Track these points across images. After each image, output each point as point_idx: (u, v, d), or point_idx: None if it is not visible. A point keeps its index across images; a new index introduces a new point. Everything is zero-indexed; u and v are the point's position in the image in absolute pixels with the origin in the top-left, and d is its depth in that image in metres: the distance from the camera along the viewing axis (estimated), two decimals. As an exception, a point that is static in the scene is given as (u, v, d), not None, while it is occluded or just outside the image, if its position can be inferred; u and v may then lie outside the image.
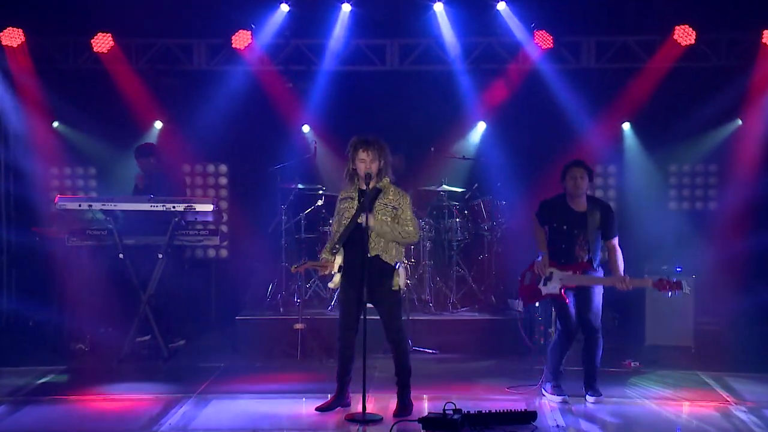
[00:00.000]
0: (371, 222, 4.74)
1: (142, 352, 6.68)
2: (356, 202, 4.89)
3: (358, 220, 4.74)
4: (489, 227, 7.69)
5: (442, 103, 8.25)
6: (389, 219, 4.78)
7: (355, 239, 4.77)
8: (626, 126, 8.27)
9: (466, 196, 7.95)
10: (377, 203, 4.81)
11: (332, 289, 5.27)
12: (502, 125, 8.32)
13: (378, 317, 5.07)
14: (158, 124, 8.32)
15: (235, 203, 8.22)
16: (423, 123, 8.36)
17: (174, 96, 8.20)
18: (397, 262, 4.81)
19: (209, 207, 6.43)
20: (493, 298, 7.56)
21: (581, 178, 5.30)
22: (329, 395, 5.18)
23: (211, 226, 6.81)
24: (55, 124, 7.96)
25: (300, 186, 7.69)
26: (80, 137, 8.02)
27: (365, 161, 4.84)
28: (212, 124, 7.99)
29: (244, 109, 8.01)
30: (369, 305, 4.94)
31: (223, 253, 8.19)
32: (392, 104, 8.29)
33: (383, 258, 4.83)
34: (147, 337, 6.70)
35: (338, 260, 4.95)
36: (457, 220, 7.71)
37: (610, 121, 8.10)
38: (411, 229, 4.80)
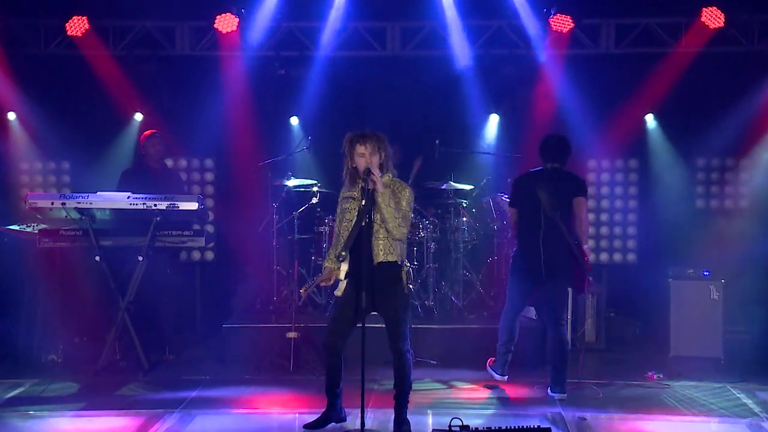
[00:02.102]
0: (379, 186, 4.74)
1: (120, 364, 6.66)
2: (358, 202, 4.94)
3: (369, 176, 4.74)
4: (499, 227, 7.69)
5: (448, 93, 8.31)
6: (393, 203, 4.83)
7: (360, 243, 4.80)
8: (649, 117, 8.29)
9: (474, 194, 7.99)
10: (387, 191, 4.86)
11: (330, 295, 5.30)
12: (514, 116, 8.35)
13: (379, 325, 5.09)
14: (138, 116, 8.33)
15: (222, 201, 8.15)
16: (427, 114, 8.39)
17: (155, 84, 8.18)
18: (402, 260, 4.83)
19: (194, 205, 6.42)
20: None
21: None
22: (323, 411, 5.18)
23: (196, 226, 6.82)
24: (12, 115, 7.95)
25: (293, 182, 7.71)
26: (52, 129, 8.01)
27: (364, 155, 4.86)
28: (197, 116, 8.01)
29: (231, 99, 8.04)
30: (373, 313, 4.97)
31: (209, 255, 8.14)
32: (393, 93, 8.31)
33: (388, 259, 4.85)
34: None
35: (344, 267, 4.97)
36: (464, 219, 7.76)
37: (630, 112, 8.11)
38: (399, 218, 4.83)
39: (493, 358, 6.17)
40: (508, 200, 6.33)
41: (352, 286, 4.90)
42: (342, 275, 4.96)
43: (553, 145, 5.92)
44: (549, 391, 5.91)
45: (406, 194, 4.86)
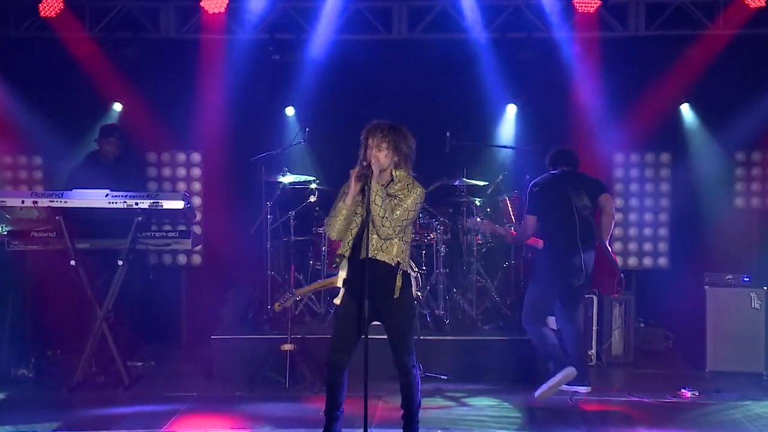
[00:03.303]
0: (375, 169, 4.72)
1: (98, 379, 6.63)
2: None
3: (367, 162, 4.75)
4: (517, 228, 7.65)
5: (460, 80, 8.29)
6: (386, 202, 4.76)
7: (359, 244, 4.81)
8: (685, 107, 8.26)
9: (489, 191, 7.97)
10: (377, 185, 4.81)
11: (330, 303, 5.30)
12: (533, 106, 8.37)
13: (385, 336, 5.02)
14: (117, 106, 8.32)
15: (211, 199, 8.15)
16: (437, 103, 8.37)
17: (136, 71, 8.17)
18: (399, 263, 4.78)
19: (179, 203, 6.42)
20: (521, 315, 7.39)
21: None
22: (321, 432, 5.09)
23: (182, 227, 6.81)
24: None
25: (288, 179, 7.71)
26: (22, 119, 8.00)
27: (371, 147, 4.81)
28: (183, 105, 8.02)
29: (220, 87, 8.07)
30: (377, 323, 4.94)
31: (196, 259, 8.09)
32: (399, 81, 8.31)
33: (384, 259, 4.82)
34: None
35: (342, 274, 4.94)
36: (479, 219, 7.68)
37: (662, 101, 8.07)
38: (398, 213, 4.76)
39: (550, 384, 6.17)
40: (526, 206, 6.49)
41: (350, 293, 4.88)
42: (340, 282, 4.92)
43: (566, 153, 6.38)
44: (575, 386, 6.15)
45: (417, 193, 4.84)
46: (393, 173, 4.83)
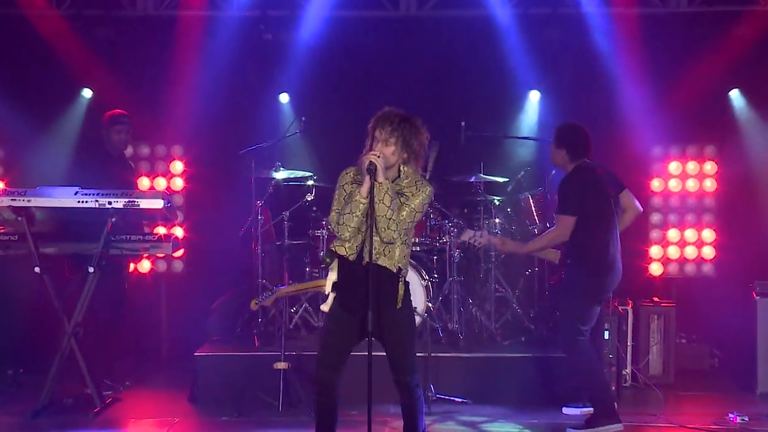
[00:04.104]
0: (380, 166, 4.67)
1: (66, 402, 6.62)
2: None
3: (367, 157, 4.69)
4: (540, 230, 7.64)
5: (476, 63, 8.29)
6: (394, 202, 4.76)
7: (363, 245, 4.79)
8: (734, 93, 8.23)
9: (510, 189, 8.00)
10: (387, 182, 4.80)
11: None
12: (559, 92, 8.42)
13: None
14: (87, 92, 8.34)
15: (195, 198, 8.20)
16: (451, 90, 8.39)
17: (110, 52, 8.20)
18: (400, 269, 4.78)
19: (158, 203, 6.40)
20: (545, 328, 7.56)
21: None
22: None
23: (162, 229, 6.82)
24: None
25: (282, 175, 7.73)
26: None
27: (378, 141, 4.76)
28: (162, 91, 8.04)
29: (205, 71, 8.09)
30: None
31: (178, 265, 8.11)
32: (408, 64, 8.33)
33: (384, 263, 4.79)
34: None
35: (332, 276, 4.91)
36: (497, 221, 7.76)
37: (707, 86, 8.06)
38: (404, 214, 4.76)
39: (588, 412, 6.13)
40: (564, 206, 6.14)
41: (342, 300, 4.86)
42: (329, 286, 4.91)
43: (584, 136, 6.14)
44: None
45: (425, 193, 4.83)
46: (401, 168, 4.85)
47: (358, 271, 4.73)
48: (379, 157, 4.68)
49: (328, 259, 4.89)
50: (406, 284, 4.84)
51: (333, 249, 4.84)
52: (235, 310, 7.76)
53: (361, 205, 4.68)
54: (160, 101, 8.04)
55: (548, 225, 7.49)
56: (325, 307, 4.94)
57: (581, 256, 6.03)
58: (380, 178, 4.67)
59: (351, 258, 4.78)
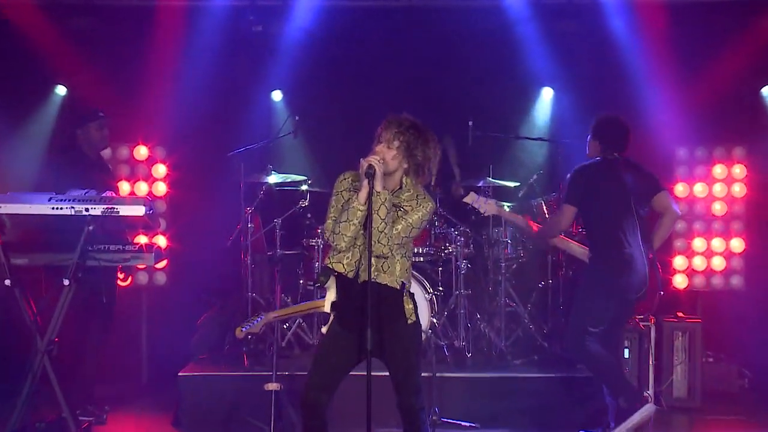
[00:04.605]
0: (378, 169, 4.65)
1: (38, 427, 6.55)
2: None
3: (366, 160, 4.69)
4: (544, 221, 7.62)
5: (484, 57, 8.30)
6: (389, 215, 4.76)
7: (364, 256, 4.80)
8: (766, 90, 8.24)
9: (521, 194, 8.02)
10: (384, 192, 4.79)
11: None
12: (575, 89, 8.45)
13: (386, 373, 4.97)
14: (61, 89, 8.34)
15: (179, 204, 8.19)
16: (457, 86, 8.39)
17: (87, 45, 8.19)
18: (404, 284, 4.81)
19: (140, 210, 6.27)
20: (560, 346, 7.48)
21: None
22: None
23: (143, 238, 6.80)
24: None
25: (274, 179, 7.73)
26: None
27: (381, 143, 4.77)
28: (144, 88, 8.02)
29: (191, 66, 8.12)
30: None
31: (160, 278, 8.09)
32: (410, 58, 8.34)
33: (383, 281, 4.80)
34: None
35: (330, 296, 4.91)
36: (508, 229, 7.77)
37: (736, 82, 8.07)
38: (399, 228, 4.76)
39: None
40: (563, 195, 6.42)
41: (341, 320, 4.88)
42: (327, 306, 4.91)
43: (621, 129, 6.29)
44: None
45: (426, 209, 4.83)
46: (403, 179, 4.83)
47: (357, 289, 4.74)
48: (380, 161, 4.68)
49: (323, 278, 4.88)
50: (412, 297, 4.86)
51: (330, 266, 4.83)
52: (223, 327, 7.75)
53: (359, 212, 4.69)
54: (141, 99, 8.03)
55: (570, 235, 7.40)
56: (325, 329, 4.95)
57: (593, 251, 6.23)
58: (378, 186, 4.66)
59: (350, 275, 4.79)
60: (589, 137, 6.37)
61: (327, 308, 4.90)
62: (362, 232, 4.74)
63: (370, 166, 4.66)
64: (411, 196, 4.82)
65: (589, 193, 6.14)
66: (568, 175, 6.30)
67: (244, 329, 6.06)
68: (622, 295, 6.12)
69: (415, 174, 4.83)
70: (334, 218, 4.79)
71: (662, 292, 6.20)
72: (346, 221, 4.71)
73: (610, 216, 6.11)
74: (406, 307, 4.80)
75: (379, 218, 4.68)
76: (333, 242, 4.77)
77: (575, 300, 6.30)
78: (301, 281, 7.76)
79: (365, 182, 4.65)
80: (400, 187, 4.83)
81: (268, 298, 7.67)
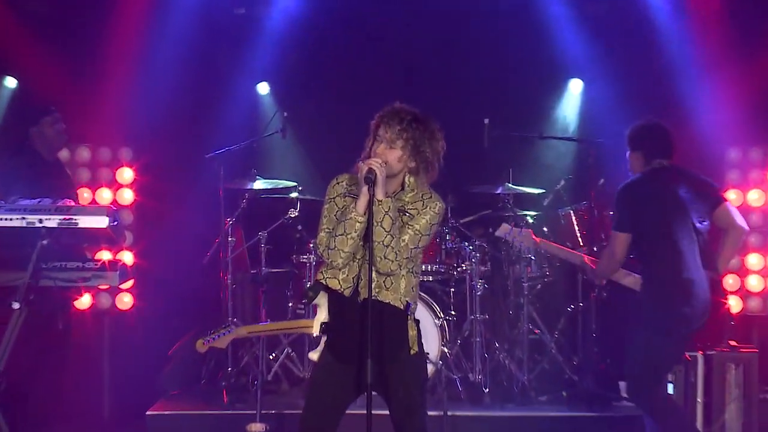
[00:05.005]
0: (379, 172, 4.64)
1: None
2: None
3: (366, 164, 4.67)
4: (589, 253, 7.46)
5: (503, 45, 8.32)
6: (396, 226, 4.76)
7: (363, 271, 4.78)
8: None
9: (546, 202, 8.05)
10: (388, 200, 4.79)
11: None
12: (608, 81, 8.47)
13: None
14: (11, 82, 8.32)
15: (148, 215, 8.16)
16: (471, 78, 8.41)
17: (41, 31, 8.18)
18: (408, 304, 4.78)
19: (102, 221, 6.31)
20: (592, 380, 7.52)
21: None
22: None
23: (106, 254, 6.82)
24: None
25: (259, 185, 7.74)
26: None
27: (381, 140, 4.75)
28: (108, 81, 8.03)
29: (163, 55, 8.16)
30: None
31: (126, 300, 8.02)
32: (416, 45, 8.37)
33: (386, 298, 4.77)
34: None
35: (320, 316, 4.86)
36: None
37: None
38: (406, 238, 4.75)
39: None
40: (614, 219, 6.28)
41: (333, 346, 4.85)
42: (316, 328, 4.87)
43: (663, 135, 6.25)
44: None
45: (434, 210, 4.81)
46: (405, 179, 4.83)
47: (355, 310, 4.71)
48: (381, 164, 4.65)
49: (311, 293, 4.82)
50: (417, 322, 4.82)
51: (322, 281, 4.79)
52: (198, 358, 7.70)
53: (357, 224, 4.66)
54: (104, 92, 8.03)
55: (595, 250, 7.49)
56: (314, 355, 4.90)
57: (646, 277, 6.10)
58: (380, 194, 4.64)
59: (346, 293, 4.76)
60: (628, 152, 6.28)
61: (316, 330, 4.85)
62: (362, 244, 4.72)
63: (371, 171, 4.62)
64: (415, 197, 4.80)
65: (638, 213, 6.03)
66: (616, 196, 6.21)
67: (207, 342, 5.92)
68: (684, 327, 6.04)
69: (425, 171, 4.81)
70: (328, 230, 4.76)
71: (733, 322, 6.24)
72: (342, 234, 4.67)
73: (664, 235, 5.99)
74: (410, 333, 4.78)
75: (384, 231, 4.65)
76: (327, 258, 4.74)
77: (629, 340, 6.17)
78: (291, 304, 7.75)
79: (365, 189, 4.62)
80: (402, 188, 4.82)
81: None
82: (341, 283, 4.75)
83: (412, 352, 4.77)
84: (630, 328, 6.15)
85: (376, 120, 4.76)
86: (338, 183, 4.84)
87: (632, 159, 6.24)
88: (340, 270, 4.76)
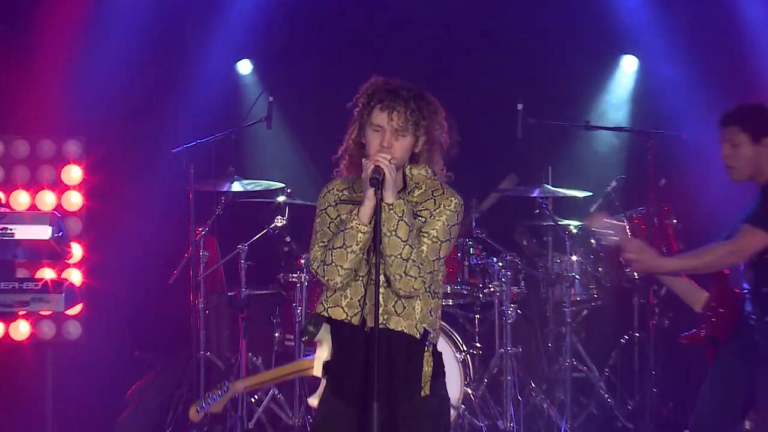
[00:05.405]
0: (388, 197, 4.56)
1: None
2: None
3: (373, 161, 4.56)
4: (641, 273, 7.51)
5: (539, 15, 8.36)
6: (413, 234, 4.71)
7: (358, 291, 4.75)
8: None
9: (594, 207, 7.96)
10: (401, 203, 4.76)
11: (310, 409, 5.54)
12: (666, 58, 8.52)
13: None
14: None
15: (100, 224, 7.89)
16: (500, 55, 8.43)
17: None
18: (427, 332, 4.70)
19: (44, 231, 6.53)
20: (652, 430, 7.46)
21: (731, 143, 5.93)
22: None
23: (49, 272, 6.86)
24: None
25: (239, 186, 7.74)
26: None
27: (384, 130, 4.63)
28: (49, 57, 8.00)
29: (118, 25, 8.19)
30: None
31: (73, 329, 7.71)
32: (431, 16, 8.37)
33: (398, 326, 4.68)
34: None
35: (321, 354, 4.80)
36: (574, 258, 7.81)
37: None
38: (425, 248, 4.73)
39: None
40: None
41: (337, 387, 4.78)
42: (317, 368, 4.83)
43: None
44: None
45: (451, 207, 4.74)
46: (407, 173, 4.75)
47: (362, 342, 4.61)
48: (391, 161, 4.51)
49: (312, 328, 4.71)
50: (437, 356, 4.69)
51: (323, 312, 4.66)
52: (162, 402, 7.67)
53: (360, 234, 4.54)
54: (45, 72, 8.00)
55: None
56: (314, 401, 4.81)
57: None
58: (389, 197, 4.51)
59: (354, 321, 4.63)
60: (745, 137, 5.87)
61: (317, 371, 4.81)
62: (366, 259, 4.64)
63: (377, 170, 4.50)
64: (424, 195, 4.70)
65: None
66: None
67: (201, 409, 5.70)
68: None
69: (434, 159, 4.73)
70: (323, 244, 4.65)
71: None
72: (341, 247, 4.55)
73: None
74: (424, 369, 4.67)
75: (400, 241, 4.52)
76: (323, 276, 4.64)
77: (760, 382, 5.94)
78: (277, 334, 7.69)
79: (370, 193, 4.50)
80: (404, 185, 4.70)
81: (229, 358, 7.70)
82: (346, 310, 4.63)
83: (423, 394, 4.66)
84: (758, 365, 5.84)
85: (364, 99, 4.66)
86: (328, 192, 4.73)
87: (745, 157, 5.88)
88: (342, 295, 4.65)
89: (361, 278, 4.66)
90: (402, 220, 4.51)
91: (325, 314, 4.69)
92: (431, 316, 4.71)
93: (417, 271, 4.57)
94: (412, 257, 4.54)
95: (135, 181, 8.20)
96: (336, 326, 4.70)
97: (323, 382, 4.81)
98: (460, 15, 8.45)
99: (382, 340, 4.57)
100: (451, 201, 4.68)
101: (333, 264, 4.56)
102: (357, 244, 4.52)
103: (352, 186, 4.79)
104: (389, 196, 4.50)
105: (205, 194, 7.58)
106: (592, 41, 8.45)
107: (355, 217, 4.53)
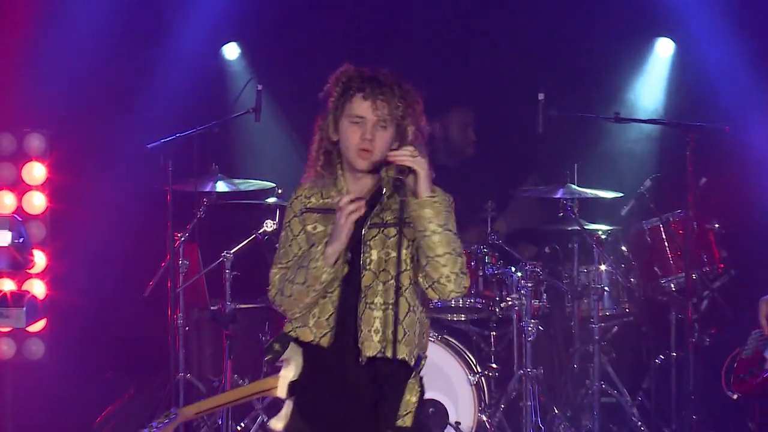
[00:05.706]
0: (423, 191, 4.56)
1: None
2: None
3: (390, 158, 4.57)
4: (679, 285, 7.78)
5: None
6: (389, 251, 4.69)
7: (345, 309, 4.69)
8: None
9: (625, 211, 8.09)
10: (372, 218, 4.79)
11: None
12: (706, 41, 8.59)
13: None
14: None
15: (66, 228, 8.07)
16: (517, 41, 8.51)
17: None
18: (420, 358, 4.74)
19: (3, 237, 6.69)
20: None
21: None
22: None
23: (8, 284, 7.01)
24: None
25: (223, 186, 7.79)
26: None
27: (365, 121, 4.63)
28: (6, 39, 8.04)
29: (83, 6, 8.25)
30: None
31: (35, 349, 7.85)
32: None
33: (402, 354, 4.64)
34: None
35: (287, 373, 4.77)
36: (603, 268, 7.82)
37: None
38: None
39: None
40: None
41: (305, 410, 4.76)
42: (282, 389, 4.79)
43: None
44: None
45: (441, 205, 4.71)
46: (384, 174, 4.75)
47: (331, 362, 4.67)
48: (414, 155, 4.51)
49: (278, 347, 4.69)
50: (422, 384, 4.70)
51: (291, 332, 4.65)
52: (136, 427, 7.33)
53: (325, 275, 4.54)
54: (1, 57, 8.07)
55: (732, 272, 7.59)
56: (278, 425, 4.76)
57: None
58: (425, 190, 4.48)
59: (323, 342, 4.62)
60: None
61: (281, 392, 4.77)
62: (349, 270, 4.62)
63: (402, 171, 4.51)
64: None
65: None
66: None
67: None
68: None
69: (418, 145, 4.69)
70: (283, 265, 4.70)
71: None
72: (303, 284, 4.59)
73: None
74: (405, 397, 4.68)
75: (452, 235, 4.54)
76: (280, 307, 4.75)
77: None
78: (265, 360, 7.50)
79: (340, 216, 4.49)
80: (380, 188, 4.71)
81: (212, 381, 7.80)
82: (314, 331, 4.61)
83: (401, 424, 4.64)
84: None
85: (339, 89, 4.65)
86: (296, 198, 4.73)
87: None
88: (310, 314, 4.66)
89: (329, 295, 4.63)
90: (448, 211, 4.54)
91: (293, 334, 4.67)
92: (423, 338, 4.74)
93: (461, 264, 4.60)
94: (461, 252, 4.59)
95: (105, 180, 8.19)
96: (305, 348, 4.67)
97: (288, 404, 4.78)
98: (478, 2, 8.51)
99: (370, 369, 4.61)
100: (442, 198, 4.66)
101: (292, 297, 4.59)
102: (321, 284, 4.53)
103: (321, 192, 4.74)
104: (425, 190, 4.47)
105: (185, 195, 7.53)
106: (621, 22, 8.49)
107: (320, 257, 4.52)
